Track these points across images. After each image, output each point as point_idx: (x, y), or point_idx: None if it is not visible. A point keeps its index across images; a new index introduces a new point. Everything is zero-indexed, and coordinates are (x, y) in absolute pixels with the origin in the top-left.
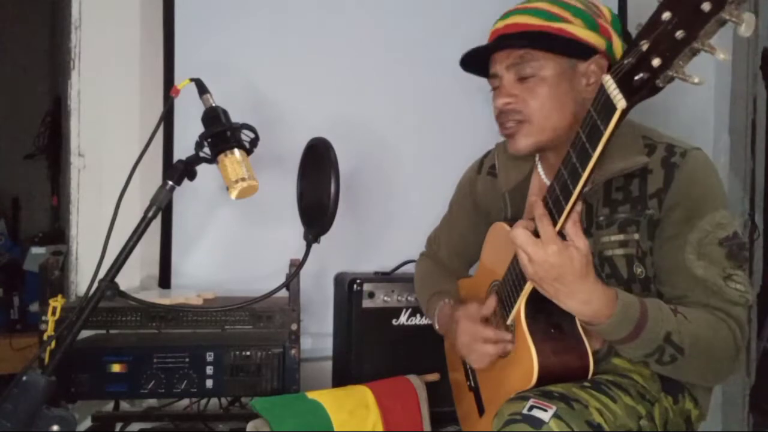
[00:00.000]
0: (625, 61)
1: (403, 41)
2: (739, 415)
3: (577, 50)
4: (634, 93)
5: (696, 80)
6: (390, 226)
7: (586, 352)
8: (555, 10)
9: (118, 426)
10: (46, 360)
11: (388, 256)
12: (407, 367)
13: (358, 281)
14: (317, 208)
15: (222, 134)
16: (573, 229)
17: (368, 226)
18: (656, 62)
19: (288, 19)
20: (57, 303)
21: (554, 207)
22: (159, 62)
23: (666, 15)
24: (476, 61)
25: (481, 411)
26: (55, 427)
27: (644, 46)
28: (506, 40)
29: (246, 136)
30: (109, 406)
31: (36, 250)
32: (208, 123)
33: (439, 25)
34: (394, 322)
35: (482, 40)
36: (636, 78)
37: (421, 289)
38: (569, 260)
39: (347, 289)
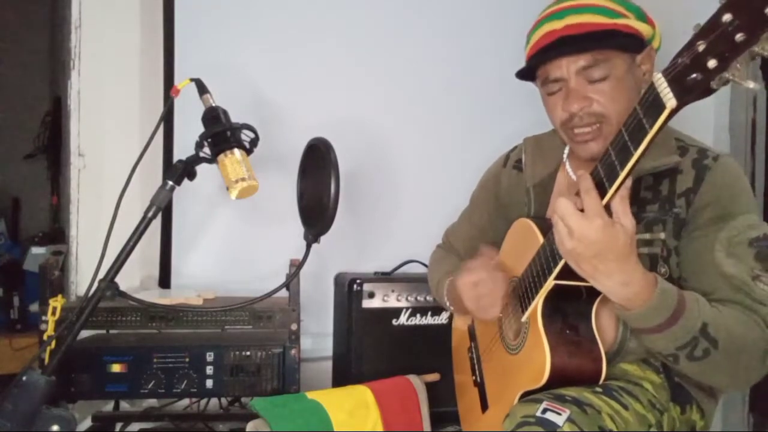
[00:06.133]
0: (679, 61)
1: (404, 41)
2: (739, 415)
3: (639, 44)
4: (686, 93)
5: (751, 85)
6: (390, 226)
7: (600, 356)
8: (614, 6)
9: (118, 426)
10: (46, 360)
11: (388, 256)
12: (407, 367)
13: (358, 281)
14: (317, 208)
15: (222, 134)
16: (621, 206)
17: (368, 226)
18: (712, 63)
19: (288, 18)
20: (57, 303)
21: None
22: (159, 62)
23: (727, 17)
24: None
25: (484, 407)
26: (55, 427)
27: (701, 46)
28: (574, 42)
29: (246, 136)
30: (109, 406)
31: (36, 250)
32: (208, 123)
33: (440, 25)
34: (394, 322)
35: (482, 39)
36: (689, 78)
37: (433, 274)
38: (614, 238)
39: (347, 289)
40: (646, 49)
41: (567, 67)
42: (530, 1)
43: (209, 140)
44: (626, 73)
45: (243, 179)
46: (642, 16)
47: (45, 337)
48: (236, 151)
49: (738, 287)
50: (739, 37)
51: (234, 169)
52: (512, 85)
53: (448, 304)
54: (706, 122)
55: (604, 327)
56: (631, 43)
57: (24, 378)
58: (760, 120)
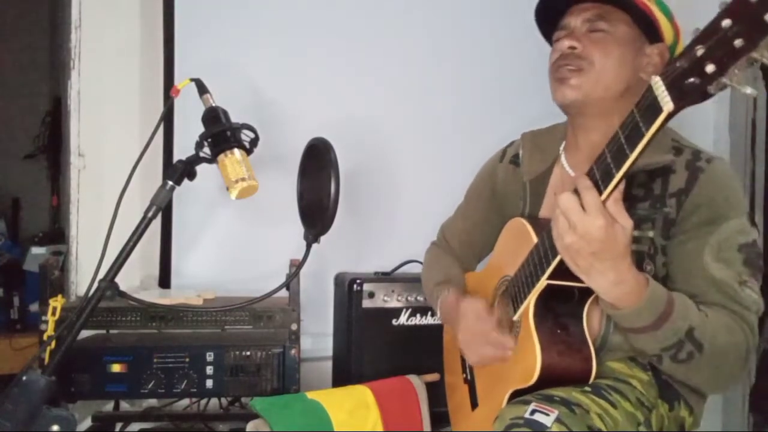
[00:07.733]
0: (677, 65)
1: (404, 41)
2: (739, 415)
3: (651, 30)
4: (683, 97)
5: (748, 91)
6: (390, 226)
7: (590, 356)
8: None
9: (118, 426)
10: (46, 360)
11: (388, 256)
12: (407, 367)
13: (358, 281)
14: (317, 208)
15: (222, 134)
16: (616, 208)
17: (368, 226)
18: (710, 68)
19: (288, 18)
20: (57, 303)
21: None
22: (159, 62)
23: (726, 22)
24: (545, 17)
25: (474, 404)
26: (55, 427)
27: (699, 51)
28: None
29: (246, 136)
30: (109, 406)
31: (36, 250)
32: (208, 123)
33: (440, 24)
34: (394, 322)
35: (482, 39)
36: (687, 82)
37: (427, 276)
38: (613, 237)
39: (347, 289)
40: (660, 44)
41: (576, 15)
42: (530, 1)
43: (209, 140)
44: (627, 44)
45: (243, 179)
46: (669, 16)
47: (45, 337)
48: (236, 151)
49: (725, 292)
50: (738, 42)
51: (234, 169)
52: (512, 85)
53: (438, 315)
54: (706, 122)
55: (587, 322)
56: (643, 20)
57: (24, 378)
58: (760, 120)
